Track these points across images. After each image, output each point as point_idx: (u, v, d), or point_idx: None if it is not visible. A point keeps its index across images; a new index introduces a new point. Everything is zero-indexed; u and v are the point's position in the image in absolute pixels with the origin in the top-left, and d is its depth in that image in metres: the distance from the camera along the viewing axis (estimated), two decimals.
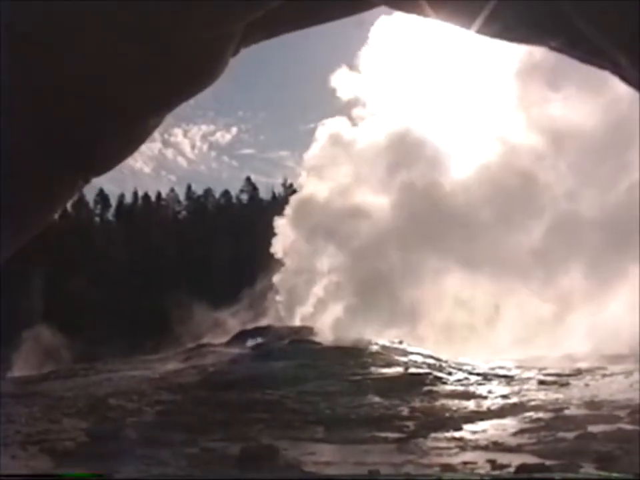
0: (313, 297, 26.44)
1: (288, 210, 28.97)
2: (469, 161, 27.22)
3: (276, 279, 28.01)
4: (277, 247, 28.27)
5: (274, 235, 28.49)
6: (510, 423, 11.78)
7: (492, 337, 23.72)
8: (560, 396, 14.12)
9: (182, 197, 60.18)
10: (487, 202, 25.32)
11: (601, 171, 24.67)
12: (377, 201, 27.10)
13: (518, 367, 18.15)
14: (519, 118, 26.69)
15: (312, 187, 28.79)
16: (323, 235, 27.22)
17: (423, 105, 28.42)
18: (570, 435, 10.26)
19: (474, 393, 15.06)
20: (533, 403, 13.40)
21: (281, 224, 28.72)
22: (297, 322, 25.52)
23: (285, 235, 28.50)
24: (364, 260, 25.58)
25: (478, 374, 17.38)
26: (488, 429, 11.51)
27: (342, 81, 29.18)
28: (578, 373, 16.93)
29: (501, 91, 27.45)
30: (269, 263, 28.29)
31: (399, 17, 25.26)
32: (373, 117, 28.66)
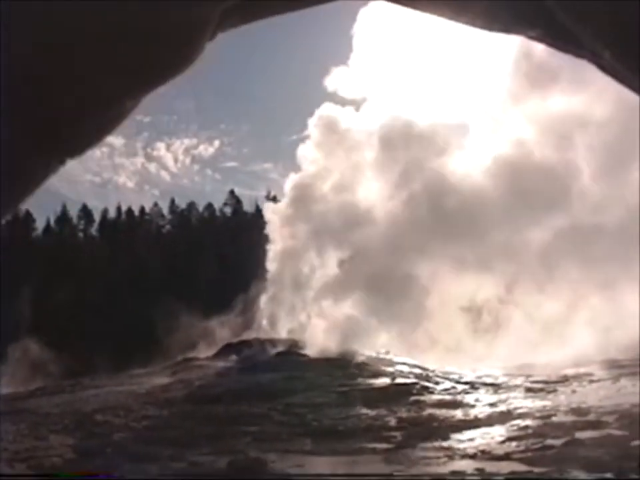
0: (305, 304, 26.19)
1: (282, 208, 28.63)
2: (476, 154, 26.48)
3: (264, 289, 27.84)
4: (270, 253, 27.95)
5: (259, 246, 28.36)
6: (498, 431, 11.78)
7: (498, 339, 23.42)
8: (547, 403, 14.14)
9: (165, 211, 59.94)
10: (495, 197, 24.54)
11: (615, 163, 23.77)
12: (378, 199, 26.71)
13: (505, 375, 18.18)
14: (521, 110, 26.01)
15: (307, 183, 28.27)
16: (321, 235, 26.87)
17: (422, 97, 27.92)
18: (558, 442, 10.27)
19: (461, 401, 15.05)
20: (520, 411, 13.40)
21: (273, 224, 28.38)
22: (284, 333, 25.44)
23: (278, 239, 28.12)
24: (364, 261, 25.20)
25: (465, 382, 17.38)
26: (476, 438, 11.50)
27: (331, 84, 28.69)
28: (565, 379, 16.97)
29: (501, 83, 26.63)
30: (255, 275, 28.22)
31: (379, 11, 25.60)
32: (367, 114, 28.16)
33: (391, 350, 22.22)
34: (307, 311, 25.96)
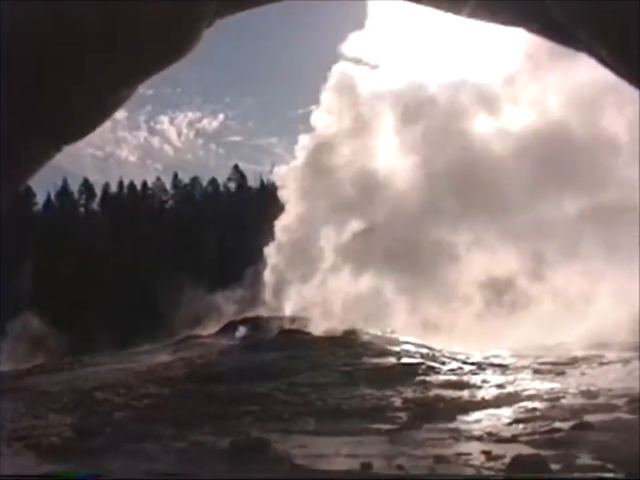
0: (315, 280, 25.94)
1: (293, 175, 28.13)
2: (501, 123, 25.86)
3: (270, 262, 27.59)
4: (278, 226, 27.57)
5: (264, 221, 28.13)
6: (505, 413, 11.76)
7: (519, 317, 23.16)
8: (556, 385, 14.11)
9: (168, 186, 59.97)
10: (520, 169, 23.70)
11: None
12: (397, 167, 26.25)
13: (513, 356, 18.20)
14: (545, 77, 25.32)
15: (320, 149, 27.69)
16: (335, 204, 26.40)
17: (441, 61, 27.34)
18: (566, 425, 10.23)
19: (468, 382, 15.04)
20: (528, 393, 13.37)
21: (284, 193, 27.91)
22: (289, 311, 25.38)
23: (289, 209, 27.69)
24: (381, 233, 24.87)
25: (472, 363, 17.40)
26: (482, 419, 11.47)
27: (346, 50, 28.17)
28: (574, 361, 16.95)
29: (524, 48, 25.55)
30: (259, 252, 28.15)
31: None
32: (384, 78, 27.61)
33: (406, 327, 22.14)
34: (316, 286, 25.79)
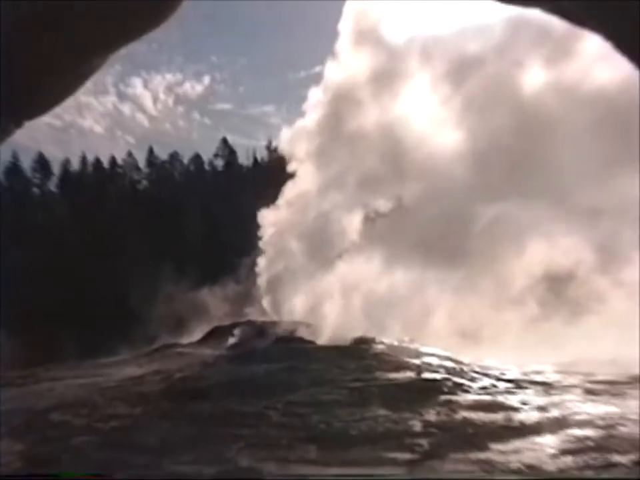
0: (320, 275, 25.74)
1: (299, 140, 27.85)
2: (560, 77, 25.32)
3: (266, 254, 27.46)
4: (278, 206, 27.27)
5: (259, 205, 27.99)
6: (548, 442, 11.70)
7: (575, 320, 22.90)
8: (612, 409, 14.05)
9: (142, 163, 60.00)
10: (584, 136, 23.14)
11: None
12: (435, 133, 25.96)
13: (558, 372, 18.16)
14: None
15: (340, 107, 27.29)
16: (357, 181, 25.99)
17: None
18: (625, 459, 10.17)
19: (503, 403, 14.94)
20: (577, 417, 13.30)
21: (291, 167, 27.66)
22: (287, 314, 25.39)
23: (293, 186, 27.40)
24: (408, 214, 24.57)
25: (508, 380, 17.32)
26: (521, 449, 11.42)
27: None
28: (636, 380, 16.88)
29: None
30: (253, 241, 28.11)
31: None
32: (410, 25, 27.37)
33: (440, 334, 22.08)
34: (326, 283, 25.69)
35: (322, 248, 25.78)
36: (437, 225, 23.53)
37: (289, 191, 27.05)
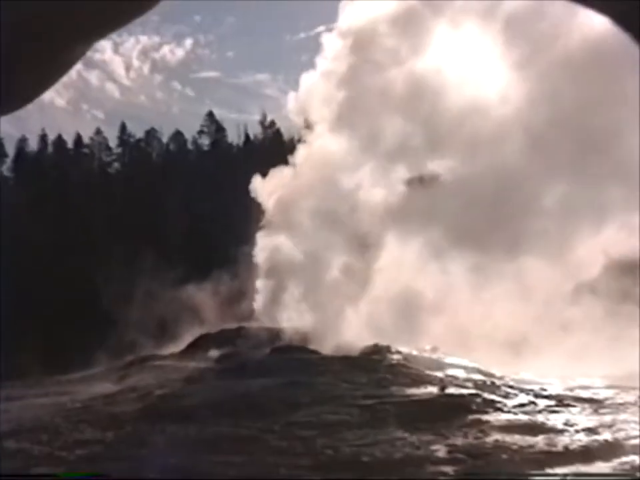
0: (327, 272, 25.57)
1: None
2: None
3: (261, 246, 27.24)
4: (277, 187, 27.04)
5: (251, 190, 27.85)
6: (599, 470, 11.69)
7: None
8: None
9: (113, 142, 59.99)
10: None
11: None
12: (481, 87, 25.75)
13: (610, 387, 18.13)
14: None
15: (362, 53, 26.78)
16: (382, 149, 25.72)
17: None
18: None
19: (543, 424, 14.97)
20: (633, 442, 13.28)
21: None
22: (286, 319, 25.30)
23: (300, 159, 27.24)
24: (451, 189, 24.44)
25: (549, 397, 17.29)
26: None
27: None
28: None
29: None
30: (244, 232, 28.05)
31: None
32: None
33: (476, 339, 22.05)
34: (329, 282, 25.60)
35: (340, 229, 25.61)
36: (479, 203, 23.49)
37: (300, 160, 26.84)
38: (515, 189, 23.94)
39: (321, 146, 26.83)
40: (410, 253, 24.79)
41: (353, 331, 22.67)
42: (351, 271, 25.00)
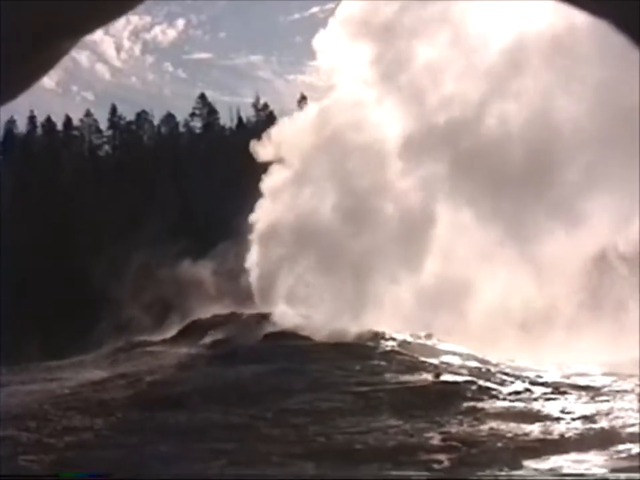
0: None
1: None
2: None
3: (258, 229, 27.08)
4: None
5: (246, 174, 27.68)
6: (596, 460, 11.69)
7: None
8: None
9: (104, 125, 59.80)
10: None
11: None
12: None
13: (607, 374, 18.16)
14: None
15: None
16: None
17: None
18: None
19: (539, 412, 14.99)
20: (632, 430, 13.28)
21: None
22: (281, 305, 25.17)
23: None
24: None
25: (545, 384, 17.30)
26: (562, 467, 11.42)
27: None
28: None
29: None
30: (237, 216, 27.94)
31: None
32: None
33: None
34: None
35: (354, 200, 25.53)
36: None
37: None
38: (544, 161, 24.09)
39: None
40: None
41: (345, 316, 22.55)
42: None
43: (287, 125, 28.06)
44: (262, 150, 27.06)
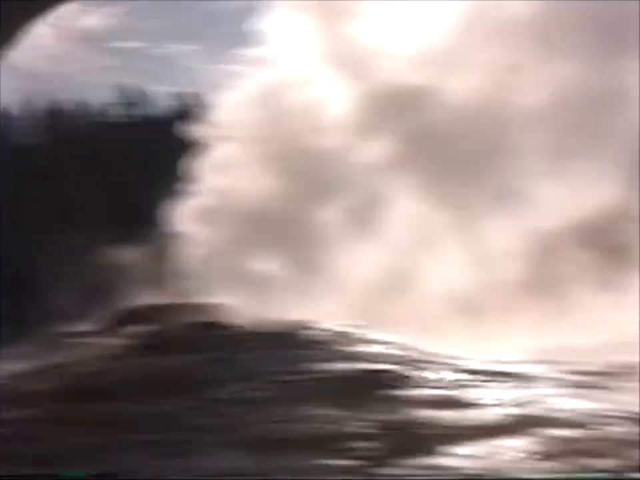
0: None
1: None
2: None
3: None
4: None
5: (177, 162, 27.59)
6: (518, 445, 11.85)
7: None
8: (598, 405, 14.27)
9: (37, 114, 58.87)
10: None
11: None
12: None
13: (530, 362, 18.47)
14: None
15: None
16: None
17: None
18: (612, 464, 10.32)
19: (463, 400, 15.16)
20: (554, 415, 13.48)
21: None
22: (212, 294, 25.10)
23: None
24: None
25: (470, 371, 17.58)
26: (480, 453, 11.56)
27: None
28: (630, 370, 17.23)
29: None
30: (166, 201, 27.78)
31: None
32: None
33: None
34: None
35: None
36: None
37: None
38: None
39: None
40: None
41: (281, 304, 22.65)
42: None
43: (228, 103, 27.92)
44: (200, 130, 27.02)
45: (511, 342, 20.60)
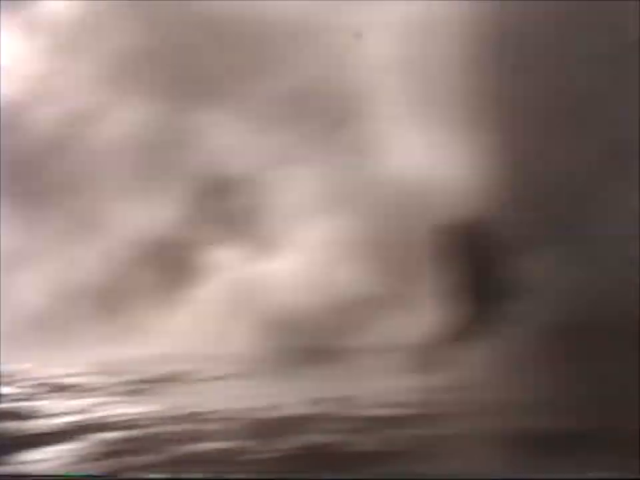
0: None
1: None
2: None
3: None
4: None
5: None
6: (76, 448, 12.29)
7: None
8: (144, 409, 15.07)
9: None
10: None
11: None
12: None
13: (91, 374, 19.27)
14: None
15: None
16: None
17: None
18: (165, 456, 11.09)
19: (25, 411, 15.39)
20: (106, 421, 14.16)
21: None
22: None
23: None
24: None
25: (34, 385, 18.01)
26: (31, 460, 11.81)
27: None
28: (172, 378, 18.63)
29: None
30: None
31: None
32: None
33: None
34: None
35: None
36: None
37: None
38: None
39: None
40: None
41: None
42: None
43: None
44: None
45: (75, 354, 21.09)
